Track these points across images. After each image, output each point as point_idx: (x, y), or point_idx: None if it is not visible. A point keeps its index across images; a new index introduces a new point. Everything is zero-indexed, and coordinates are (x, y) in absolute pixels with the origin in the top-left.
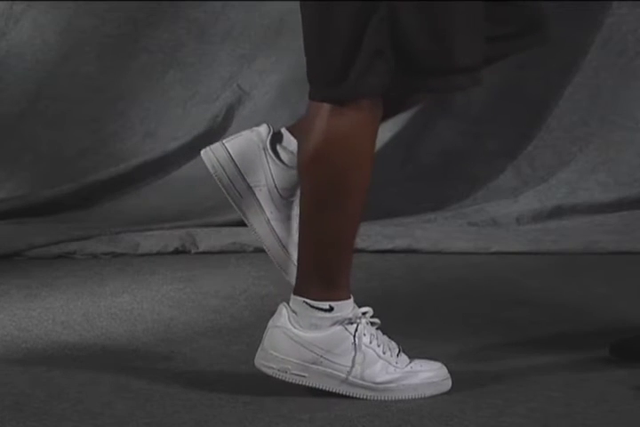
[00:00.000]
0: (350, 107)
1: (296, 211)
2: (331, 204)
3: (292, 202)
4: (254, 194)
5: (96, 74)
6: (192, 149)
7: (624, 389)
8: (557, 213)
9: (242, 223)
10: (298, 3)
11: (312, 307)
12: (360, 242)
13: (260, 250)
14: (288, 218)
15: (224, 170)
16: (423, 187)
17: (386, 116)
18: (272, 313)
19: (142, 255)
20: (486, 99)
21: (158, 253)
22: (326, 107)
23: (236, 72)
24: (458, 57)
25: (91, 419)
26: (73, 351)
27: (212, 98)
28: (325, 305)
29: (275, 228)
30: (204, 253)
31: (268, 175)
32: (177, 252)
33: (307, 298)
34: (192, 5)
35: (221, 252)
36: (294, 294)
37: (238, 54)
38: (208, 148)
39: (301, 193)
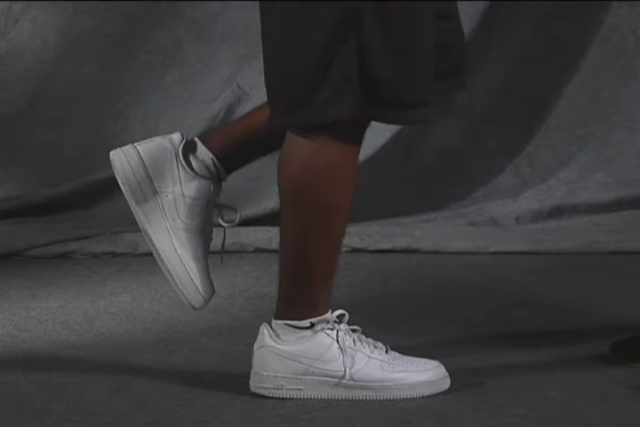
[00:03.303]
0: (333, 136)
1: (198, 221)
2: (317, 232)
3: (197, 212)
4: (159, 199)
5: (96, 74)
6: None
7: (624, 389)
8: (557, 212)
9: (242, 223)
10: None
11: (294, 327)
12: (360, 242)
13: (260, 250)
14: (189, 228)
15: (133, 172)
16: (423, 187)
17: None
18: (272, 313)
19: (142, 255)
20: (486, 98)
21: None
22: (306, 135)
23: (235, 72)
24: (420, 91)
25: (91, 419)
26: (73, 351)
27: (212, 98)
28: (307, 324)
29: (173, 236)
30: None
31: (177, 182)
32: None
33: (289, 320)
34: (192, 5)
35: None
36: (275, 318)
37: (238, 54)
38: (119, 149)
39: (284, 222)
